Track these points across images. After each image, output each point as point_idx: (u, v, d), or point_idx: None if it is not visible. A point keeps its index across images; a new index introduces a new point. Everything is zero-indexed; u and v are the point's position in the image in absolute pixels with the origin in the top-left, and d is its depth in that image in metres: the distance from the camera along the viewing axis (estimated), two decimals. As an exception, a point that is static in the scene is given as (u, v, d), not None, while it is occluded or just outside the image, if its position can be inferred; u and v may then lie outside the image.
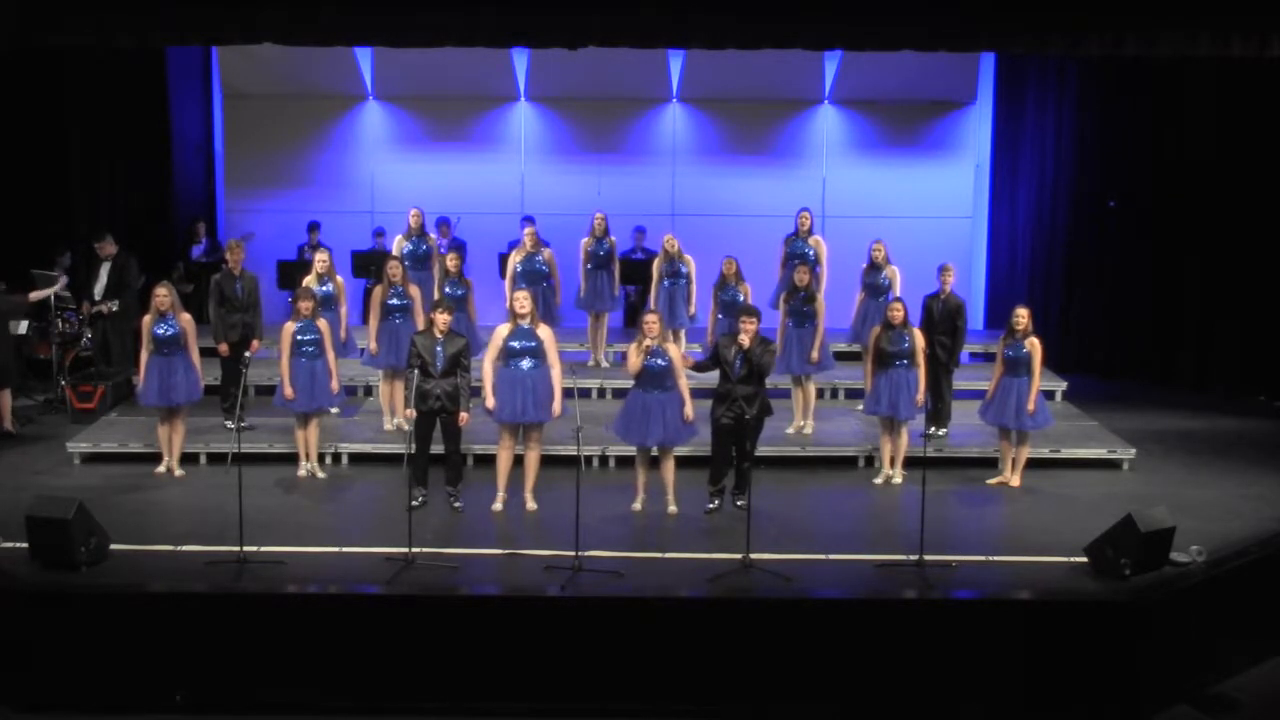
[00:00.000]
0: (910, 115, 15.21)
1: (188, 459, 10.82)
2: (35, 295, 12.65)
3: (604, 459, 11.05)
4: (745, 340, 9.58)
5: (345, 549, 9.12)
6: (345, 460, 11.12)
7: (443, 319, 9.69)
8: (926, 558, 8.76)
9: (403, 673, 8.17)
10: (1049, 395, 12.22)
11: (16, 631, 8.19)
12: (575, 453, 9.46)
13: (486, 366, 9.78)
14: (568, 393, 9.78)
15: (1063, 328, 14.67)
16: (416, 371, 9.52)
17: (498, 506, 9.88)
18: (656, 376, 9.59)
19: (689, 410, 9.62)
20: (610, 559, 8.86)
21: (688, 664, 8.18)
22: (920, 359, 10.46)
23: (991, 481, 10.71)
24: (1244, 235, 13.67)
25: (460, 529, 9.57)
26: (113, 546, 8.84)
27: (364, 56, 15.06)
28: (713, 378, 9.98)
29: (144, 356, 10.47)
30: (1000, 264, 15.37)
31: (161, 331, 10.40)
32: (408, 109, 15.34)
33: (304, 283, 11.39)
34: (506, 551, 9.14)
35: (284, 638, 8.17)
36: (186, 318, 10.57)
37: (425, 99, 15.21)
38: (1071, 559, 8.96)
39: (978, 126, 15.34)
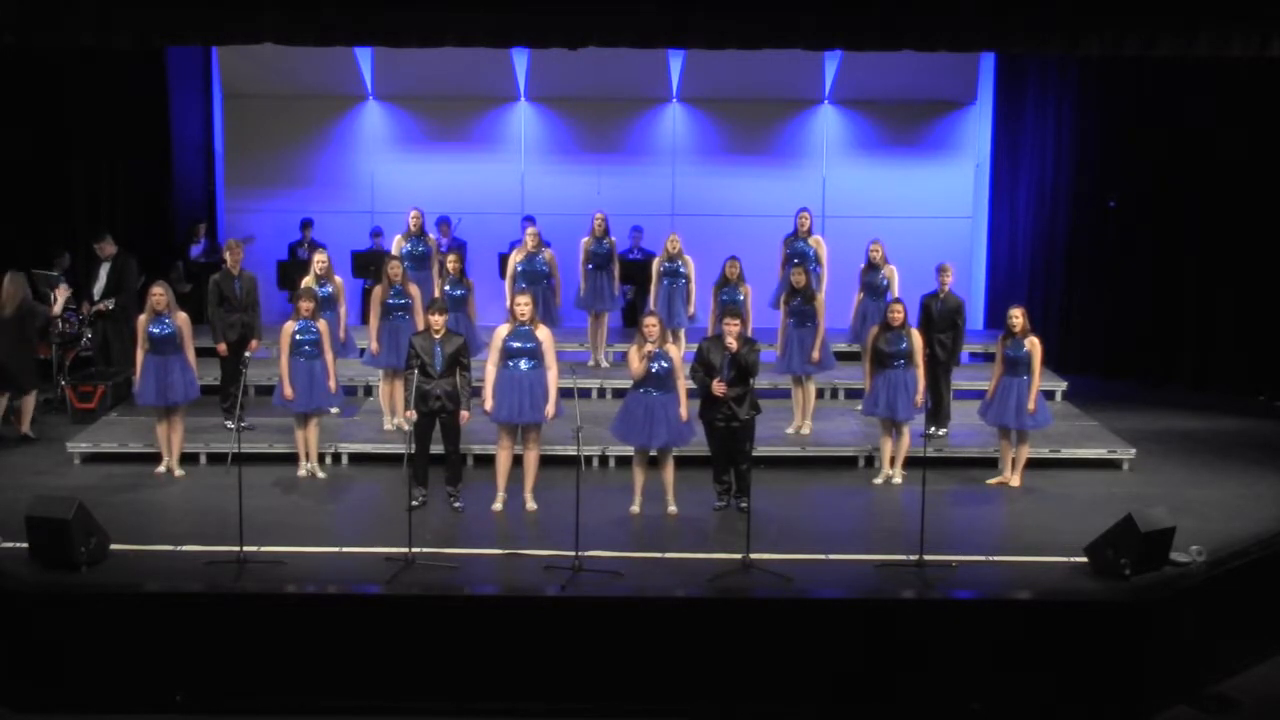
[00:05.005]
0: (910, 115, 15.20)
1: (188, 459, 10.83)
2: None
3: (604, 459, 11.05)
4: (732, 344, 9.58)
5: (345, 549, 9.12)
6: (345, 460, 11.12)
7: (436, 320, 9.69)
8: (926, 558, 8.77)
9: (403, 673, 8.16)
10: (1049, 395, 12.22)
11: (16, 631, 8.19)
12: (575, 453, 9.46)
13: (490, 370, 9.77)
14: (568, 393, 9.78)
15: (1063, 328, 14.67)
16: (416, 372, 9.53)
17: (498, 506, 9.89)
18: (658, 379, 9.59)
19: (683, 411, 9.63)
20: (610, 559, 8.86)
21: (688, 664, 8.18)
22: (919, 359, 10.46)
23: (991, 481, 10.71)
24: (1244, 235, 13.66)
25: (460, 529, 9.57)
26: (113, 546, 8.84)
27: (364, 56, 15.05)
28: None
29: (140, 356, 10.47)
30: (1000, 264, 15.36)
31: (157, 331, 10.39)
32: (408, 109, 15.33)
33: (304, 283, 11.39)
34: (506, 551, 9.14)
35: (284, 638, 8.17)
36: (182, 317, 10.55)
37: (425, 99, 15.20)
38: (1071, 559, 8.96)
39: (978, 126, 15.33)
